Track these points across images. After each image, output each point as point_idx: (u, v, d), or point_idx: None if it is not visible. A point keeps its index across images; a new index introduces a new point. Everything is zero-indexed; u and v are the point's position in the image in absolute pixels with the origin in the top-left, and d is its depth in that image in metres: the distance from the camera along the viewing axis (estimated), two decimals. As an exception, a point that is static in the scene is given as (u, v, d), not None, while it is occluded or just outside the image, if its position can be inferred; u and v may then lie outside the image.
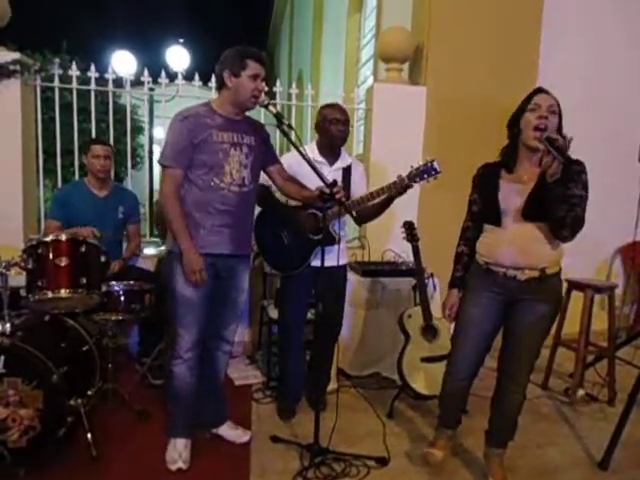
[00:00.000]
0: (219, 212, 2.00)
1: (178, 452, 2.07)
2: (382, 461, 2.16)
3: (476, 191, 2.03)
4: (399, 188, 2.20)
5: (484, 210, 1.97)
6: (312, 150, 2.46)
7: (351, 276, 2.77)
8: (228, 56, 2.00)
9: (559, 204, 1.71)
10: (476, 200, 2.03)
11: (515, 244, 1.84)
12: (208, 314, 2.08)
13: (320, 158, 2.45)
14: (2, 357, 1.88)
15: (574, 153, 1.79)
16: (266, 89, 2.05)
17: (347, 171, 2.53)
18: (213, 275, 2.05)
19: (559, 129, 1.82)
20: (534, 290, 1.86)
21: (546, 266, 1.84)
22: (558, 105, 1.82)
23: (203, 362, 2.14)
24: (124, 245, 3.05)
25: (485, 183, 1.97)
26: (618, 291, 3.12)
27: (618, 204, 4.05)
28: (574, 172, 1.75)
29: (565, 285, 3.00)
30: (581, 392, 2.90)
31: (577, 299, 2.95)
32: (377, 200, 2.30)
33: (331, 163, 2.49)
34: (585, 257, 3.81)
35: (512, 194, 1.85)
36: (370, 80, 5.67)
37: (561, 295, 1.94)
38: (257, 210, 2.51)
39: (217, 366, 2.25)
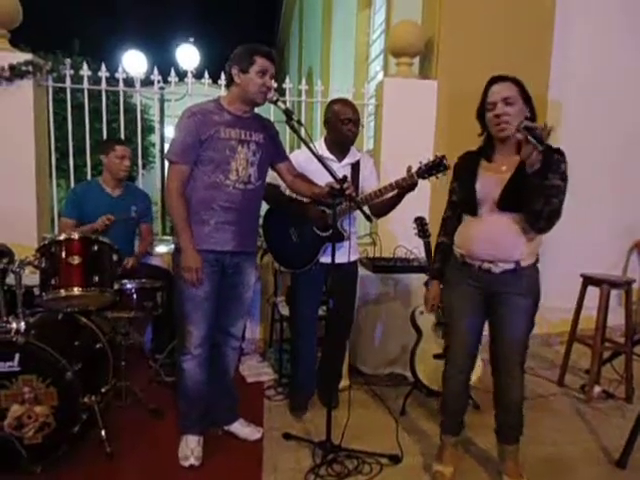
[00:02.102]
0: (223, 209, 2.01)
1: (190, 449, 2.08)
2: (395, 458, 2.14)
3: (455, 180, 2.01)
4: (407, 185, 2.16)
5: (462, 199, 1.95)
6: (320, 147, 2.43)
7: (362, 272, 2.76)
8: (237, 53, 2.01)
9: (537, 196, 1.68)
10: (455, 189, 2.01)
11: (491, 235, 1.83)
12: (216, 310, 2.09)
13: (328, 154, 2.43)
14: (17, 355, 1.91)
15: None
16: (275, 85, 2.05)
17: (356, 167, 2.50)
18: (219, 271, 2.07)
19: (532, 112, 1.80)
20: (510, 283, 1.84)
21: (520, 258, 1.83)
22: (520, 87, 1.78)
23: (212, 359, 2.15)
24: (136, 244, 3.07)
25: (464, 172, 1.94)
26: (635, 286, 3.06)
27: (634, 199, 3.98)
28: (553, 161, 1.72)
29: (581, 280, 2.96)
30: (598, 389, 2.85)
31: (593, 294, 2.90)
32: (386, 196, 2.28)
33: (340, 160, 2.46)
34: (601, 252, 3.75)
35: (490, 184, 1.83)
36: (380, 75, 5.64)
37: (539, 287, 1.91)
38: (265, 208, 2.52)
39: (226, 362, 2.25)
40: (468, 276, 1.92)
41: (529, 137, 1.59)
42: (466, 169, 1.93)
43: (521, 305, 1.87)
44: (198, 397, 2.12)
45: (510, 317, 1.87)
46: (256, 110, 2.13)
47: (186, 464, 2.04)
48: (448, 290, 2.03)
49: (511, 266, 1.83)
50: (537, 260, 1.90)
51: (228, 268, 2.10)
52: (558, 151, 1.76)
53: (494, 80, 1.81)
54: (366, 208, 2.19)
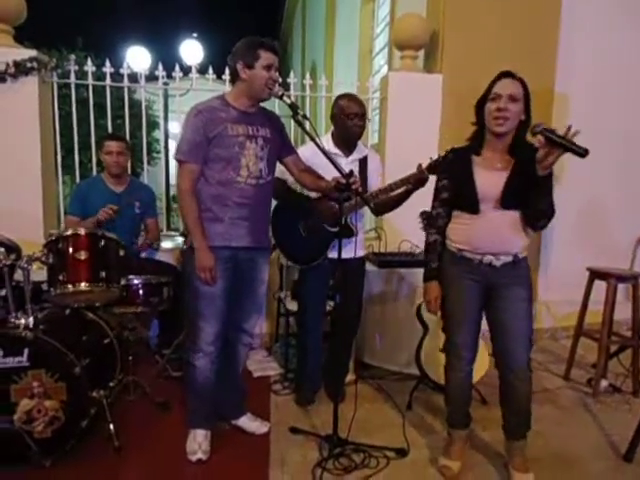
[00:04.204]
0: (237, 205, 2.01)
1: (198, 443, 2.08)
2: (402, 452, 2.15)
3: (446, 177, 1.99)
4: (417, 181, 2.16)
5: (458, 197, 1.94)
6: (327, 141, 2.43)
7: (368, 267, 2.75)
8: (240, 47, 1.99)
9: (545, 196, 1.73)
10: (446, 186, 1.98)
11: (493, 232, 1.85)
12: (229, 306, 2.09)
13: (335, 150, 2.42)
14: (26, 350, 1.92)
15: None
16: (280, 80, 2.04)
17: (363, 162, 2.49)
18: (233, 267, 2.06)
19: (527, 113, 1.81)
20: (508, 274, 1.88)
21: (518, 251, 1.87)
22: (525, 87, 1.79)
23: (223, 355, 2.15)
24: (141, 240, 3.07)
25: (457, 169, 1.94)
26: (642, 280, 3.04)
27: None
28: None
29: (587, 274, 2.94)
30: (604, 383, 2.85)
31: (600, 288, 2.88)
32: (396, 192, 2.27)
33: (347, 155, 2.46)
34: (608, 246, 3.73)
35: (489, 182, 1.84)
36: (384, 69, 5.61)
37: (530, 277, 1.94)
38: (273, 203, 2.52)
39: (237, 358, 2.26)
40: (466, 270, 1.92)
41: (560, 141, 1.56)
42: (459, 166, 1.93)
43: (521, 295, 1.89)
44: (208, 393, 2.13)
45: (512, 309, 1.88)
46: (261, 104, 2.12)
47: (194, 458, 2.05)
48: (446, 285, 2.00)
49: (510, 258, 1.87)
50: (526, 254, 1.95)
51: (242, 264, 2.09)
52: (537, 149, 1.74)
53: (505, 74, 1.81)
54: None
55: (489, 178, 1.84)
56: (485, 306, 1.96)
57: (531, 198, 1.75)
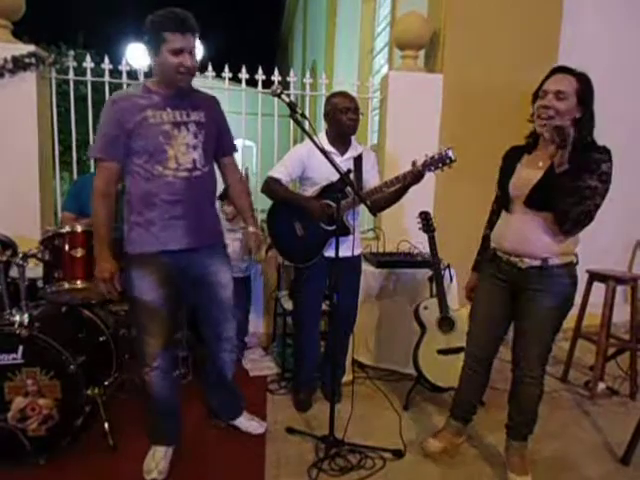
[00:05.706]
0: (167, 203, 1.79)
1: (156, 462, 1.95)
2: (398, 453, 2.14)
3: (499, 174, 2.01)
4: (413, 177, 2.16)
5: (500, 194, 1.97)
6: (322, 140, 2.41)
7: (366, 267, 2.74)
8: (146, 29, 1.71)
9: (565, 197, 1.65)
10: (498, 184, 2.02)
11: (516, 231, 1.84)
12: (174, 316, 1.95)
13: (331, 148, 2.40)
14: (21, 347, 1.91)
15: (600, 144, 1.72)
16: (197, 63, 1.77)
17: (358, 160, 2.48)
18: (176, 275, 1.87)
19: (585, 114, 1.73)
20: (535, 280, 1.83)
21: (548, 256, 1.80)
22: (582, 85, 1.70)
23: (209, 364, 2.12)
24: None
25: (506, 166, 1.95)
26: (641, 282, 3.03)
27: (641, 194, 3.95)
28: (593, 160, 1.66)
29: (586, 276, 2.93)
30: (602, 385, 2.84)
31: (599, 290, 2.87)
32: (391, 189, 2.26)
33: (342, 153, 2.44)
34: (607, 247, 3.72)
35: (523, 181, 1.83)
36: (385, 69, 5.60)
37: (567, 288, 1.84)
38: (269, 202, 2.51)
39: (223, 367, 2.16)
40: (496, 269, 1.93)
41: (554, 136, 1.55)
42: (508, 164, 1.93)
43: (544, 304, 1.83)
44: (166, 407, 2.00)
45: (533, 315, 1.85)
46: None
47: (148, 478, 1.90)
48: (479, 281, 2.06)
49: (537, 263, 1.81)
50: (573, 262, 1.86)
51: (191, 269, 1.90)
52: (600, 150, 1.70)
53: (558, 70, 1.75)
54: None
55: (525, 176, 1.82)
56: (512, 308, 1.95)
57: (553, 198, 1.69)
